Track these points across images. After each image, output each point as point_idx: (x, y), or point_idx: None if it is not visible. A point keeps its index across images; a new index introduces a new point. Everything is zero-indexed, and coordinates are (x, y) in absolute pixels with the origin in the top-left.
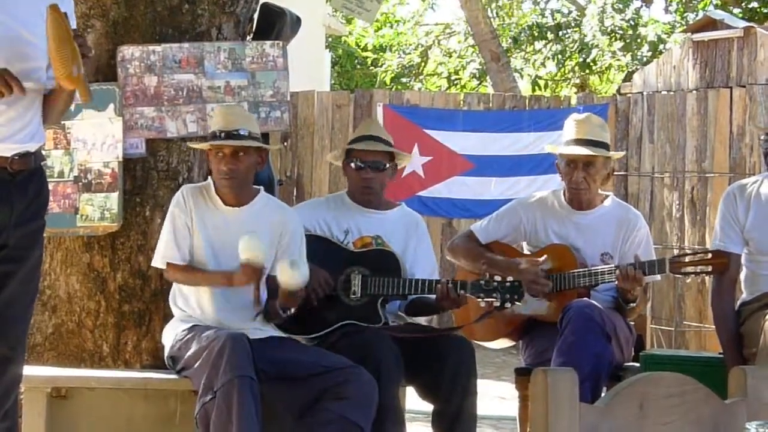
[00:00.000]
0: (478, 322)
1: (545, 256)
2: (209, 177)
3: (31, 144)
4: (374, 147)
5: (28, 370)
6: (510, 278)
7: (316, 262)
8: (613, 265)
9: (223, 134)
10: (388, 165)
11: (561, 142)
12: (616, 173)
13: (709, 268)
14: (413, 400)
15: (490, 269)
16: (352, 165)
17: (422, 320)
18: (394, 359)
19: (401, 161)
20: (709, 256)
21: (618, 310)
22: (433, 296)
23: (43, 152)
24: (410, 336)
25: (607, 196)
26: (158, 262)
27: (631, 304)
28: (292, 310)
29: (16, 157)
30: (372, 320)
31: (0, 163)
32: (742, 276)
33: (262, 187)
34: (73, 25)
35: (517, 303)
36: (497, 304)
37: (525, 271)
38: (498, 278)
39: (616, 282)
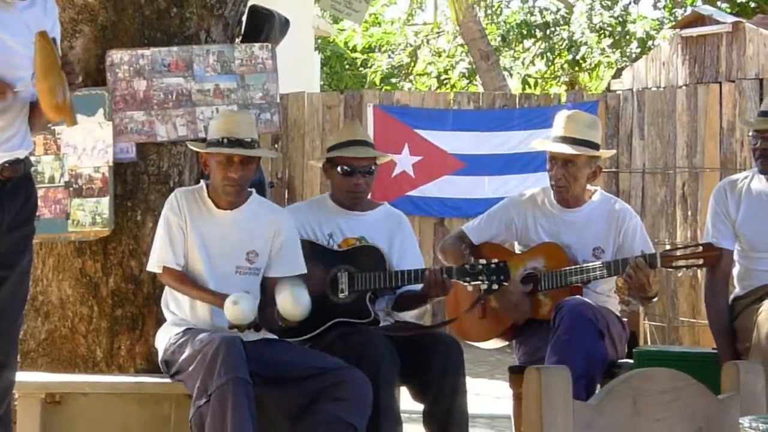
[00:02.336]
0: (470, 311)
1: (538, 261)
2: (201, 180)
3: (21, 151)
4: (364, 153)
5: (22, 377)
6: (495, 260)
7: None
8: (604, 261)
9: (227, 140)
10: (374, 167)
11: (549, 137)
12: (607, 170)
13: (701, 261)
14: (406, 401)
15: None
16: (340, 170)
17: (411, 317)
18: (390, 360)
19: (382, 161)
20: (700, 249)
21: (641, 303)
22: (420, 286)
23: (33, 158)
24: (405, 334)
25: (595, 191)
26: (153, 266)
27: (655, 299)
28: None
29: (7, 165)
30: (362, 316)
31: None
32: (735, 271)
33: (253, 190)
34: (58, 31)
35: (504, 284)
36: (484, 287)
37: (509, 299)
38: (483, 261)
39: (625, 281)
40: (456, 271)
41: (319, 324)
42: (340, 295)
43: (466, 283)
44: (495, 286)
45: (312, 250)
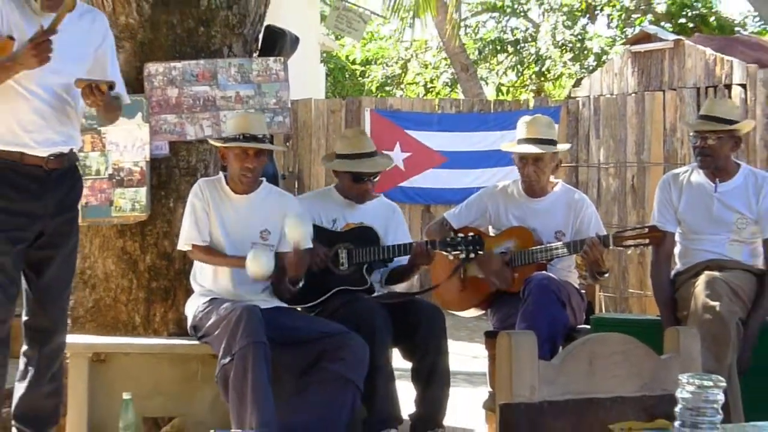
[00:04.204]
0: (451, 278)
1: (509, 242)
2: (221, 172)
3: (65, 147)
4: (374, 168)
5: (72, 339)
6: (471, 234)
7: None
8: (565, 242)
9: (242, 136)
10: (379, 172)
11: (515, 140)
12: (568, 165)
13: (647, 241)
14: (397, 360)
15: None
16: (352, 178)
17: (401, 289)
18: (385, 326)
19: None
20: (646, 230)
21: (592, 279)
22: (407, 257)
23: (82, 154)
24: (397, 300)
25: (557, 183)
26: (183, 245)
27: (606, 275)
28: (301, 284)
29: (51, 158)
30: (359, 284)
31: (37, 162)
32: (677, 250)
33: (264, 178)
34: (114, 56)
35: (479, 253)
36: (462, 256)
37: (492, 268)
38: (461, 235)
39: (582, 258)
40: (439, 243)
41: (324, 292)
42: (341, 268)
43: (446, 253)
44: (471, 255)
45: (318, 232)
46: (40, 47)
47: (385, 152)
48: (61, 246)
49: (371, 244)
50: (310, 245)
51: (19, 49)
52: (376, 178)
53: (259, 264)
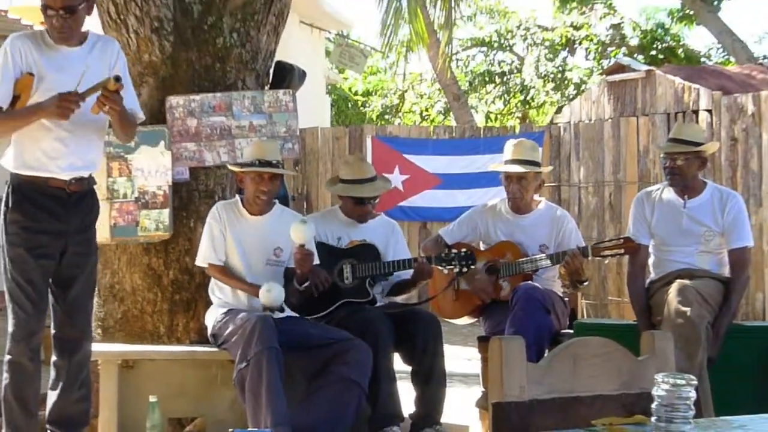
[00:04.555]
0: (447, 289)
1: (498, 257)
2: (237, 195)
3: (85, 172)
4: (375, 192)
5: (103, 347)
6: (464, 249)
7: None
8: (548, 254)
9: (258, 162)
10: (379, 195)
11: (502, 161)
12: (551, 184)
13: (622, 251)
14: (398, 363)
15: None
16: (354, 201)
17: (401, 299)
18: (387, 333)
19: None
20: (621, 241)
21: (573, 287)
22: (409, 272)
23: (110, 179)
24: (397, 311)
25: (540, 201)
26: (200, 261)
27: (585, 283)
28: (308, 282)
29: (73, 181)
30: (363, 297)
31: (60, 185)
32: (651, 261)
33: (277, 201)
34: (127, 77)
35: (471, 267)
36: (456, 270)
37: (477, 283)
38: (455, 251)
39: (564, 268)
40: (435, 259)
41: (331, 304)
42: (346, 282)
43: (442, 267)
44: (465, 269)
45: (324, 249)
46: (66, 105)
47: (385, 175)
48: (84, 264)
49: (373, 260)
50: (314, 248)
51: (48, 97)
52: (377, 200)
53: (272, 297)
